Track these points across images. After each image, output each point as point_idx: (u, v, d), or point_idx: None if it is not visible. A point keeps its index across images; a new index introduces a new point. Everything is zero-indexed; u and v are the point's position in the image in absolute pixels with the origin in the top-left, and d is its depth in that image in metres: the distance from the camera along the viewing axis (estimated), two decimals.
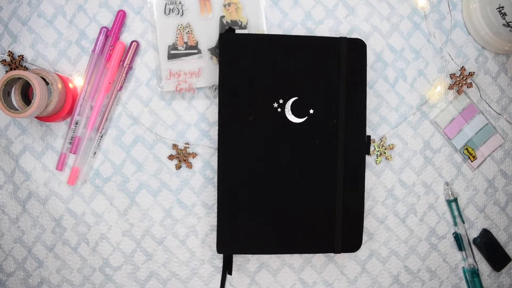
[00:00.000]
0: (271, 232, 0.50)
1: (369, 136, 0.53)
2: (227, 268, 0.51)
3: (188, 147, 0.53)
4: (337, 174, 0.50)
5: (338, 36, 0.52)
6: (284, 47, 0.49)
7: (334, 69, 0.50)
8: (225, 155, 0.49)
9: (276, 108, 0.49)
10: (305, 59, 0.49)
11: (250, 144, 0.49)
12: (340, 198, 0.50)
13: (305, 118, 0.49)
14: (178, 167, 0.53)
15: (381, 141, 0.55)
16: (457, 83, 0.55)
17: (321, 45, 0.50)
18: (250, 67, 0.49)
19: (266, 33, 0.53)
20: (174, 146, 0.53)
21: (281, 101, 0.49)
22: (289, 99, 0.49)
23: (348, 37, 0.51)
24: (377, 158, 0.55)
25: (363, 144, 0.51)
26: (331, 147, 0.50)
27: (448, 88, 0.55)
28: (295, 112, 0.49)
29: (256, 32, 0.53)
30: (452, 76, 0.55)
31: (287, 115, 0.49)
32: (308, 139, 0.50)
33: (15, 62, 0.51)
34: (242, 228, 0.49)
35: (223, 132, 0.49)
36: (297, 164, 0.50)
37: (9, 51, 0.51)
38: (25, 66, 0.52)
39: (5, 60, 0.51)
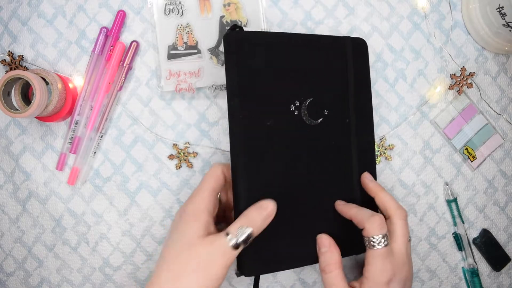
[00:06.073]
0: (292, 244, 0.46)
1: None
2: None
3: (189, 147, 0.53)
4: (353, 175, 0.49)
5: (343, 35, 0.51)
6: (296, 46, 0.46)
7: (342, 68, 0.48)
8: (250, 168, 0.43)
9: (293, 111, 0.45)
10: (316, 58, 0.47)
11: (272, 152, 0.44)
12: (358, 201, 0.48)
13: (321, 120, 0.47)
14: (178, 166, 0.53)
15: (381, 141, 0.55)
16: (458, 83, 0.55)
17: (329, 43, 0.48)
18: (262, 68, 0.44)
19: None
20: (175, 145, 0.53)
21: (297, 103, 0.45)
22: (305, 101, 0.46)
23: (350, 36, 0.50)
24: (377, 158, 0.55)
25: (373, 143, 0.50)
26: (346, 148, 0.48)
27: (449, 88, 0.55)
28: (311, 114, 0.46)
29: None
30: (452, 76, 0.55)
31: (304, 117, 0.46)
32: (325, 141, 0.47)
33: (15, 62, 0.51)
34: (262, 244, 0.43)
35: (244, 143, 0.43)
36: (316, 167, 0.47)
37: (9, 51, 0.51)
38: (25, 66, 0.52)
39: (5, 60, 0.51)
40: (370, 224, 0.43)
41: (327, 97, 0.47)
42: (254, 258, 0.44)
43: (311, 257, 0.46)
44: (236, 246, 0.40)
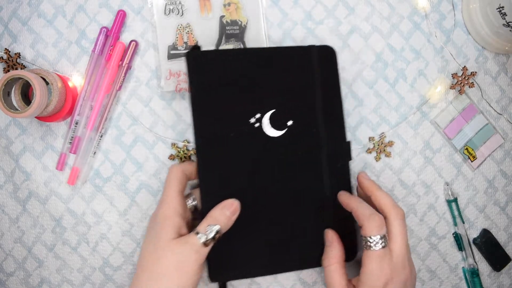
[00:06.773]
0: (264, 252, 0.48)
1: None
2: None
3: (187, 145, 0.53)
4: (324, 184, 0.48)
5: (308, 45, 0.50)
6: (255, 61, 0.47)
7: (308, 78, 0.48)
8: (208, 179, 0.46)
9: (253, 124, 0.47)
10: (278, 71, 0.48)
11: (232, 164, 0.47)
12: (329, 209, 0.48)
13: (284, 131, 0.47)
14: None
15: (381, 138, 0.55)
16: (459, 82, 0.55)
17: (293, 55, 0.49)
18: (222, 85, 0.47)
19: (264, 34, 0.53)
20: (173, 145, 0.53)
21: (258, 115, 0.47)
22: (266, 113, 0.47)
23: (317, 45, 0.50)
24: (377, 155, 0.55)
25: (346, 151, 0.49)
26: (314, 158, 0.48)
27: (450, 88, 0.55)
28: (274, 125, 0.47)
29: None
30: (454, 76, 0.55)
31: (265, 129, 0.47)
32: (290, 152, 0.48)
33: (12, 59, 0.51)
34: (234, 252, 0.47)
35: (203, 155, 0.46)
36: (283, 178, 0.48)
37: (6, 48, 0.51)
38: (22, 63, 0.52)
39: (2, 57, 0.51)
40: (369, 223, 0.42)
41: (291, 108, 0.48)
42: (219, 265, 0.47)
43: (278, 266, 0.49)
44: (206, 244, 0.42)
